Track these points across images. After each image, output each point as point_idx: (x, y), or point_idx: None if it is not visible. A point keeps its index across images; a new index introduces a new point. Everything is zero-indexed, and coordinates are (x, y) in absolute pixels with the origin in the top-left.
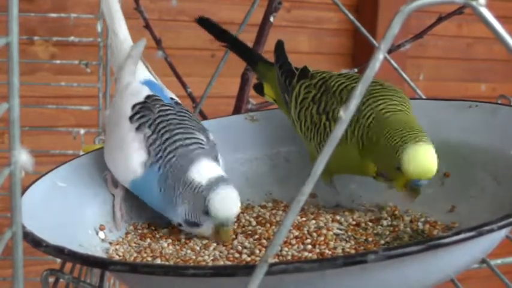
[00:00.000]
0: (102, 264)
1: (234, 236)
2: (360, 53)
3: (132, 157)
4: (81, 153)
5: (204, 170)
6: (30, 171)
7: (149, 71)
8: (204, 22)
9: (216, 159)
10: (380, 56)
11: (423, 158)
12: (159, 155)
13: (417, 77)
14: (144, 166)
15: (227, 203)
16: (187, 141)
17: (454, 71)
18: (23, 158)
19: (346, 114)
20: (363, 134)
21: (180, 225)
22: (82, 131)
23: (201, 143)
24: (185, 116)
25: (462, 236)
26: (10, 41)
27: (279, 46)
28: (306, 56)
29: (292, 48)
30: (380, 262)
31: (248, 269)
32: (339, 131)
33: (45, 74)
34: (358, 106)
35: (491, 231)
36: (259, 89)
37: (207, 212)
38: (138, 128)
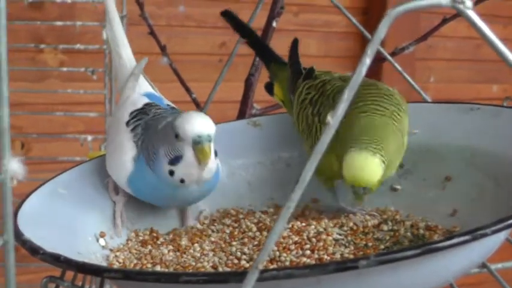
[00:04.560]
0: (96, 271)
1: (230, 237)
2: None
3: (124, 157)
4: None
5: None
6: (21, 180)
7: (150, 84)
8: (228, 16)
9: None
10: (367, 60)
11: (358, 167)
12: (143, 146)
13: (427, 79)
14: (134, 161)
15: (193, 119)
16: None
17: (464, 72)
18: (14, 166)
19: (334, 119)
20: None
21: (172, 173)
22: (89, 138)
23: None
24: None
25: (455, 240)
26: None
27: (294, 45)
28: (314, 59)
29: (300, 51)
30: (374, 267)
31: (240, 276)
32: (327, 136)
33: (54, 81)
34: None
35: (485, 235)
36: (269, 88)
37: (177, 135)
38: (132, 130)
